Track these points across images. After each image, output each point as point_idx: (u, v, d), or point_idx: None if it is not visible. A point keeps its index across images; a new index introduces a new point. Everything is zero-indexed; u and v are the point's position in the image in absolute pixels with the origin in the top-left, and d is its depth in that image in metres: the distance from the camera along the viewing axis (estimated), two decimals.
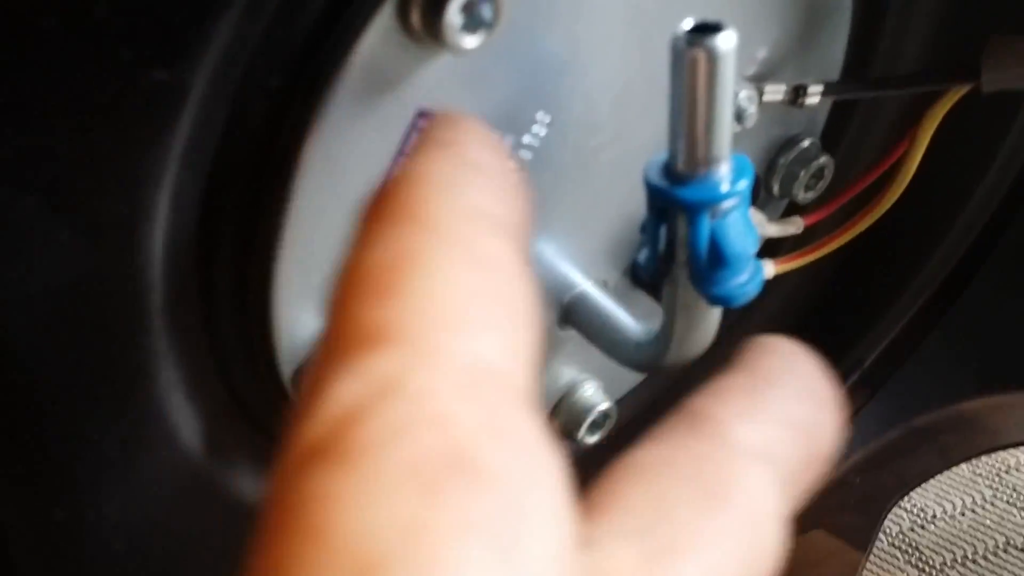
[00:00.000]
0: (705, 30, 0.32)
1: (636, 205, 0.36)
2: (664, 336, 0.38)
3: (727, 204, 0.34)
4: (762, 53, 0.43)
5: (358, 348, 0.19)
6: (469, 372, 0.19)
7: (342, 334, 0.19)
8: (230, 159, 0.31)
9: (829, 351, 0.54)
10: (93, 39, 0.26)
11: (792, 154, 0.47)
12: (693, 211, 0.34)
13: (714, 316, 0.38)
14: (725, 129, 0.33)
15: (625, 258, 0.45)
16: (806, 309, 0.55)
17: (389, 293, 0.20)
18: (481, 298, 0.20)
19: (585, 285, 0.43)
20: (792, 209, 0.50)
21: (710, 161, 0.34)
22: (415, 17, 0.30)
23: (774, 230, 0.48)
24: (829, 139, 0.48)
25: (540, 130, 0.37)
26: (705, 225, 0.34)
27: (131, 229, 0.29)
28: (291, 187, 0.32)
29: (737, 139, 0.41)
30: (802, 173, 0.47)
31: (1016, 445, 0.54)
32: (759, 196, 0.49)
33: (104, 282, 0.30)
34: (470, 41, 0.31)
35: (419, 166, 0.23)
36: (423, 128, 0.34)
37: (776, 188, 0.48)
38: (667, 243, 0.36)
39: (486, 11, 0.31)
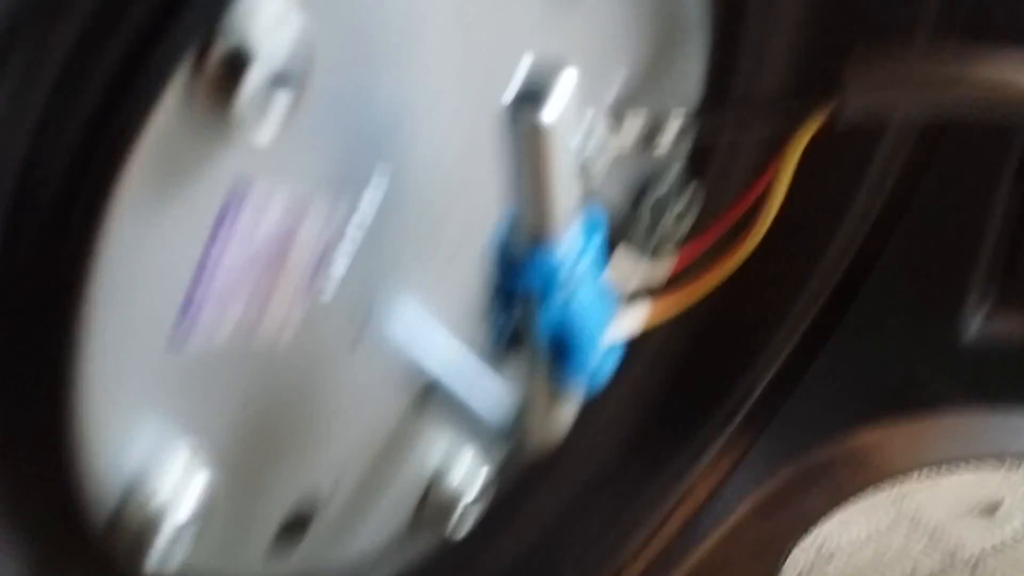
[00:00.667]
0: (533, 96, 0.29)
1: None
2: (521, 424, 0.35)
3: (574, 284, 0.31)
4: (617, 81, 0.40)
5: None
6: None
7: None
8: (10, 266, 0.26)
9: (711, 390, 0.52)
10: None
11: (656, 190, 0.44)
12: (536, 295, 0.31)
13: (572, 400, 0.35)
14: (565, 206, 0.30)
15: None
16: (684, 346, 0.53)
17: None
18: None
19: (443, 360, 0.39)
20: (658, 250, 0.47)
21: (550, 239, 0.31)
22: (204, 103, 0.26)
23: (643, 278, 0.45)
24: (693, 171, 0.46)
25: (381, 182, 0.33)
26: (552, 309, 0.32)
27: None
28: (77, 321, 0.27)
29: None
30: (667, 212, 0.45)
31: (908, 471, 0.53)
32: (627, 234, 0.46)
33: None
34: (269, 127, 0.27)
35: None
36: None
37: (641, 229, 0.45)
38: (515, 327, 0.33)
39: (289, 83, 0.27)
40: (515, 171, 0.30)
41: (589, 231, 0.32)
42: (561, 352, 0.31)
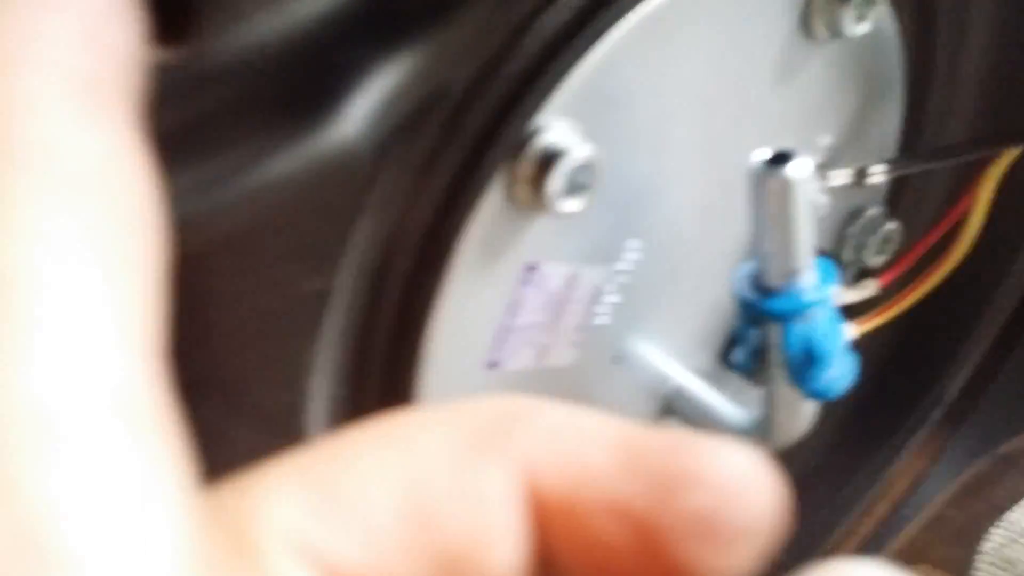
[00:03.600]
0: (780, 159, 0.35)
1: (723, 294, 0.40)
2: (766, 425, 0.41)
3: (815, 310, 0.37)
4: (826, 140, 0.46)
5: None
6: None
7: None
8: (372, 335, 0.34)
9: (912, 392, 0.57)
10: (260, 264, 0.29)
11: (860, 224, 0.50)
12: (783, 320, 0.37)
13: (811, 405, 0.41)
14: (806, 246, 0.36)
15: (716, 343, 0.48)
16: (886, 355, 0.57)
17: None
18: None
19: (683, 378, 0.46)
20: (864, 271, 0.52)
21: (795, 273, 0.37)
22: (521, 192, 0.34)
23: (852, 296, 0.51)
24: (892, 204, 0.51)
25: (632, 255, 0.40)
26: (796, 331, 0.38)
27: (296, 415, 0.33)
28: (423, 351, 0.35)
29: None
30: (871, 240, 0.50)
31: None
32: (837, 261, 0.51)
33: None
34: (573, 205, 0.34)
35: None
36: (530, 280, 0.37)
37: (848, 257, 0.51)
38: (761, 347, 0.39)
39: (585, 176, 0.34)
40: (766, 218, 0.36)
41: (824, 278, 0.38)
42: (809, 361, 0.37)
